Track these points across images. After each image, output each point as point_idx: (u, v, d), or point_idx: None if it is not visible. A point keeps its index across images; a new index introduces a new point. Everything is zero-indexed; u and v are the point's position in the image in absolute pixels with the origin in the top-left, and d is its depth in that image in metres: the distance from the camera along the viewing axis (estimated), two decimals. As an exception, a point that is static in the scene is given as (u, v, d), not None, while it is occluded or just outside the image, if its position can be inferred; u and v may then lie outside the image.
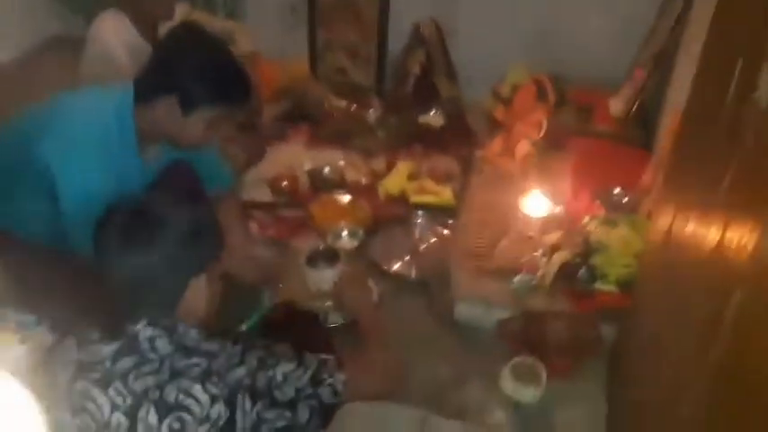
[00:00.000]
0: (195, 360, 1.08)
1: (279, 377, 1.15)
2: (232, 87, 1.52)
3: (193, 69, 1.48)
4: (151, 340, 1.07)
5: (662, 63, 2.28)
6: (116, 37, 2.07)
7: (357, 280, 1.75)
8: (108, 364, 1.06)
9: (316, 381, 1.20)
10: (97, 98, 1.57)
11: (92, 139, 1.48)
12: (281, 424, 1.15)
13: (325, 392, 1.21)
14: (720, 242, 0.98)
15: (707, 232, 1.05)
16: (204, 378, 1.06)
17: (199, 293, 1.15)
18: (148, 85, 1.51)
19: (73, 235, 1.48)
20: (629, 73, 2.52)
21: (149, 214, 1.12)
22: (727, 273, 0.92)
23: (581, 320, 1.71)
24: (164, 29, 2.21)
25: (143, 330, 1.08)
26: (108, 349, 1.07)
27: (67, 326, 1.19)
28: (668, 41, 2.23)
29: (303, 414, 1.18)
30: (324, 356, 1.26)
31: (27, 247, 1.60)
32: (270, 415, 1.13)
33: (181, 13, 2.29)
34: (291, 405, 1.17)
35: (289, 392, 1.16)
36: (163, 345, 1.07)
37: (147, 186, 1.58)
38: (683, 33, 2.20)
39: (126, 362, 1.06)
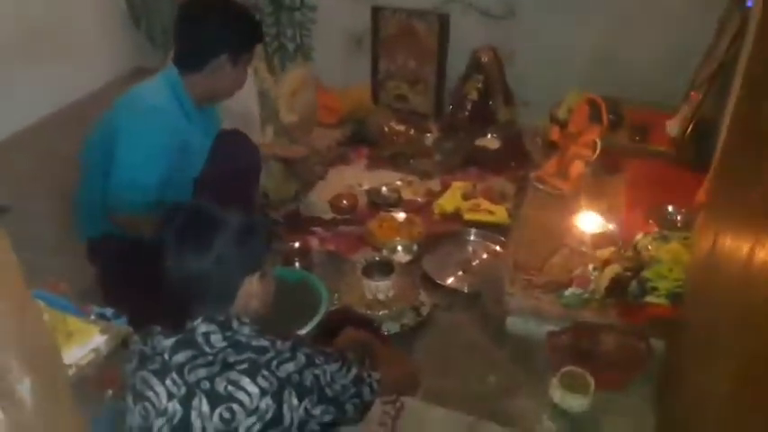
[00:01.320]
0: (246, 355, 1.13)
1: (327, 376, 1.19)
2: (256, 28, 1.85)
3: (229, 28, 1.75)
4: (206, 335, 1.13)
5: (717, 83, 2.28)
6: None
7: (395, 358, 1.59)
8: (167, 356, 1.13)
9: (359, 379, 1.25)
10: (152, 83, 1.81)
11: (153, 112, 1.72)
12: (327, 419, 1.20)
13: (365, 390, 1.26)
14: (763, 260, 0.98)
15: (752, 247, 1.06)
16: (254, 371, 1.11)
17: (253, 290, 1.21)
18: (197, 56, 1.75)
19: (117, 192, 1.70)
20: (686, 94, 2.53)
21: (207, 215, 1.18)
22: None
23: (630, 333, 1.73)
24: None
25: (199, 326, 1.14)
26: (167, 342, 1.14)
27: (142, 319, 1.29)
28: (724, 62, 2.23)
29: (349, 410, 1.24)
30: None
31: (126, 247, 1.79)
32: (317, 411, 1.17)
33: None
34: (337, 402, 1.21)
35: (336, 389, 1.20)
36: (217, 340, 1.13)
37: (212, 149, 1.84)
38: (739, 53, 2.21)
39: (182, 355, 1.13)
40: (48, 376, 0.83)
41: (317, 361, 1.18)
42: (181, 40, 1.80)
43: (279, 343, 1.16)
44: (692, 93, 2.43)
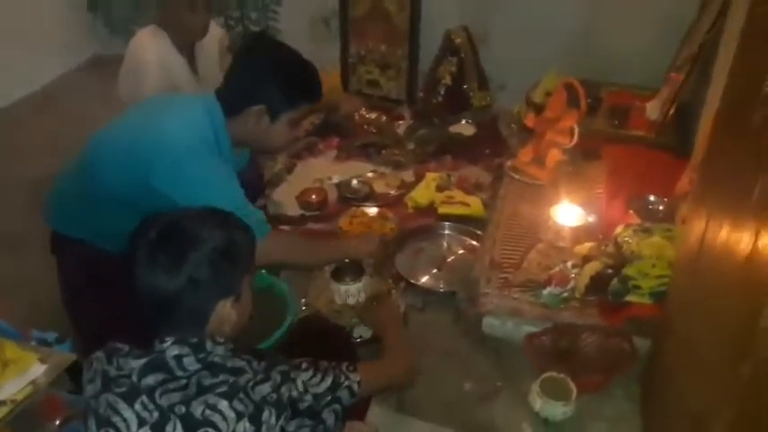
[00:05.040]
0: (222, 377, 1.07)
1: (300, 387, 1.16)
2: (309, 88, 1.67)
3: (275, 79, 1.61)
4: (178, 358, 1.07)
5: (698, 65, 2.19)
6: (150, 52, 2.14)
7: (383, 297, 1.73)
8: (135, 378, 1.06)
9: (335, 385, 1.22)
10: (189, 114, 1.63)
11: (198, 149, 1.57)
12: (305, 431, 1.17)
13: (344, 395, 1.24)
14: (753, 251, 0.94)
15: (739, 240, 1.02)
16: (231, 395, 1.06)
17: (225, 316, 1.14)
18: (235, 99, 1.62)
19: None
20: (666, 76, 2.44)
21: (182, 232, 1.10)
22: (761, 282, 0.89)
23: (613, 334, 1.65)
24: (199, 46, 2.28)
25: (170, 348, 1.07)
26: (136, 363, 1.07)
27: (96, 340, 1.19)
28: (704, 43, 2.14)
29: (329, 419, 1.21)
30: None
31: (100, 258, 1.68)
32: (292, 427, 1.14)
33: (212, 40, 2.34)
34: (312, 412, 1.18)
35: (308, 399, 1.17)
36: (189, 362, 1.07)
37: None
38: (721, 34, 2.11)
39: (153, 377, 1.06)
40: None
41: (291, 375, 1.15)
42: (229, 76, 1.67)
43: (255, 363, 1.11)
44: (673, 74, 2.34)
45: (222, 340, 1.12)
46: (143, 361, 1.07)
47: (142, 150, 1.56)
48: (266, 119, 1.63)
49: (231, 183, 1.62)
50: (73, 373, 1.35)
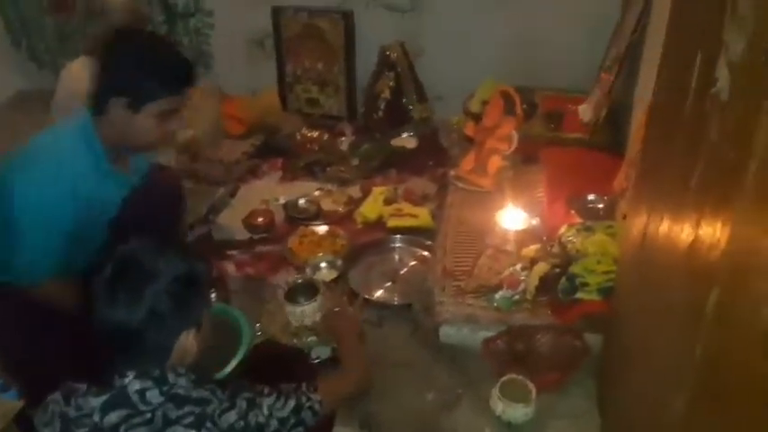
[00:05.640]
0: (188, 408, 1.06)
1: (265, 412, 1.16)
2: (171, 78, 1.56)
3: (132, 68, 1.51)
4: (141, 392, 1.05)
5: (626, 64, 2.28)
6: (83, 83, 2.07)
7: (339, 310, 1.73)
8: (96, 417, 1.04)
9: (298, 407, 1.22)
10: (57, 126, 1.63)
11: (48, 159, 1.52)
12: None
13: (307, 416, 1.24)
14: (695, 240, 0.97)
15: (681, 231, 1.04)
16: (198, 425, 1.05)
17: (188, 346, 1.12)
18: (99, 95, 1.55)
19: (21, 257, 1.51)
20: (597, 76, 2.52)
21: (139, 265, 1.08)
22: (704, 270, 0.91)
23: (565, 332, 1.68)
24: None
25: (132, 383, 1.05)
26: (95, 402, 1.04)
27: (43, 384, 1.14)
28: (631, 42, 2.23)
29: None
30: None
31: (27, 300, 1.59)
32: None
33: None
34: None
35: (273, 424, 1.17)
36: (153, 396, 1.05)
37: (129, 193, 1.67)
38: (645, 32, 2.20)
39: (115, 414, 1.03)
40: None
41: (256, 401, 1.15)
42: (96, 72, 1.57)
43: (219, 392, 1.11)
44: (603, 74, 2.42)
45: (183, 371, 1.10)
46: (103, 398, 1.05)
47: (16, 156, 1.55)
48: (128, 111, 1.53)
49: (48, 233, 1.52)
50: (20, 421, 1.28)
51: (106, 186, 1.61)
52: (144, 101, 1.52)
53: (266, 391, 1.20)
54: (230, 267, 2.18)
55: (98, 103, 1.55)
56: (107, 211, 1.66)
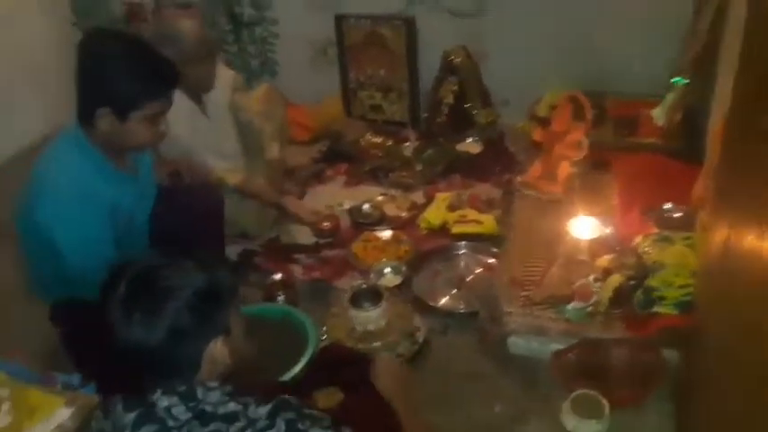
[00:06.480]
0: (213, 426, 1.02)
1: None
2: (153, 85, 1.51)
3: (114, 78, 1.48)
4: (168, 409, 1.03)
5: (702, 67, 2.18)
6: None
7: (390, 368, 1.54)
8: None
9: None
10: (60, 148, 1.59)
11: (72, 189, 1.52)
12: None
13: None
14: None
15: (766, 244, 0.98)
16: None
17: (216, 355, 1.09)
18: (84, 105, 1.52)
19: (81, 284, 1.49)
20: (671, 80, 2.43)
21: (154, 282, 1.05)
22: None
23: (641, 347, 1.62)
24: (207, 98, 2.23)
25: (160, 399, 1.04)
26: (128, 419, 1.03)
27: (113, 385, 1.16)
28: (708, 43, 2.13)
29: None
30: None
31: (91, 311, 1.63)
32: None
33: (223, 84, 2.29)
34: None
35: None
36: (180, 412, 1.03)
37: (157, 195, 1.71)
38: (722, 33, 2.11)
39: (146, 429, 1.02)
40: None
41: (299, 426, 1.05)
42: (77, 79, 1.52)
43: (252, 407, 1.04)
44: (678, 77, 2.33)
45: (216, 384, 1.07)
46: (134, 414, 1.03)
47: (33, 185, 1.57)
48: (115, 120, 1.49)
49: (85, 244, 1.51)
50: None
51: (118, 188, 1.61)
52: (129, 110, 1.49)
53: (325, 423, 1.08)
54: (298, 271, 2.21)
55: (83, 114, 1.53)
56: (127, 209, 1.65)
